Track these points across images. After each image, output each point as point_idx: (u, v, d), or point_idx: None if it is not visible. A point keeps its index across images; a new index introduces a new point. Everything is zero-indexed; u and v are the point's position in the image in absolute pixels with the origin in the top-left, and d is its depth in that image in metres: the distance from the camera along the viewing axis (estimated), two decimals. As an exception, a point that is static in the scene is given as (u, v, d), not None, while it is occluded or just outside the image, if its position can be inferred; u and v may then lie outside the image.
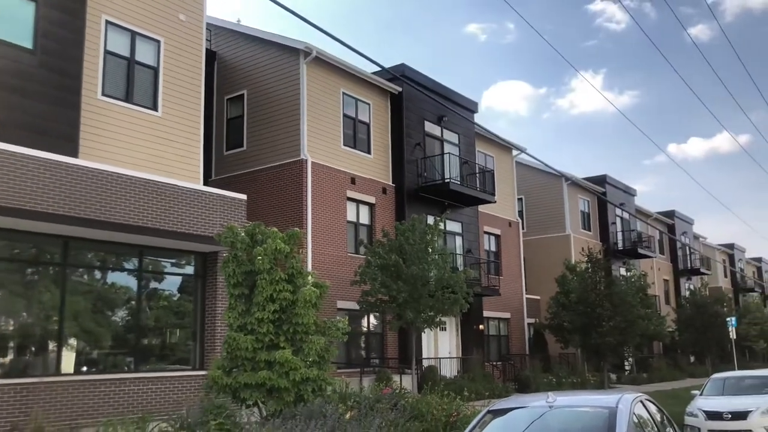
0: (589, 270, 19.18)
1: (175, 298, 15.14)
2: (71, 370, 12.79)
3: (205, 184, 19.51)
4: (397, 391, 11.93)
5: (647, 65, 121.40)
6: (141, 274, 14.50)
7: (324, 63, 21.54)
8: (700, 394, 15.66)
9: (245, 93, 22.36)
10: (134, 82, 15.74)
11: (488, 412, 6.18)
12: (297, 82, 20.91)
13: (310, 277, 9.44)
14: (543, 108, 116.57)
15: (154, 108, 16.04)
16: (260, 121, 21.77)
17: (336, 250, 20.86)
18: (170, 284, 15.08)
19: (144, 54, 16.06)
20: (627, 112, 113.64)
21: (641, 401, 6.25)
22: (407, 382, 18.94)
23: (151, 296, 14.79)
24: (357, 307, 19.82)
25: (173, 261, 15.16)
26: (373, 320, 22.18)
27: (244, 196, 16.34)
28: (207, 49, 23.47)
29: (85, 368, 13.14)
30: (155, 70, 16.22)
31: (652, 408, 6.47)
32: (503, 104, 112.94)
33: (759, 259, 68.85)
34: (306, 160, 20.34)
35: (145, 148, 15.60)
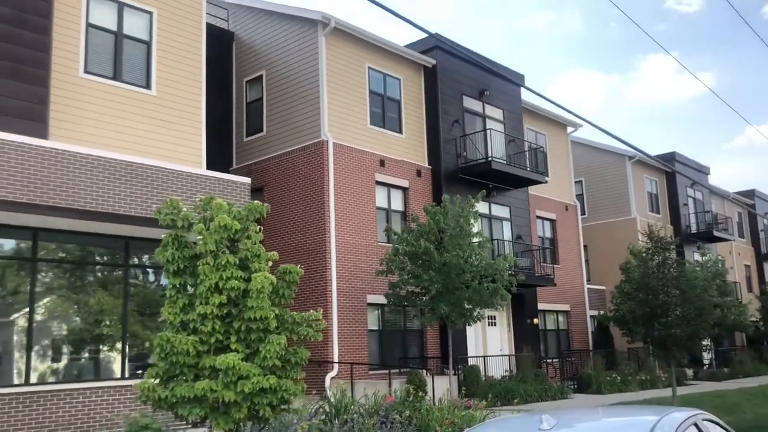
0: (653, 252, 16.62)
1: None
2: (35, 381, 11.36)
3: (226, 172, 18.00)
4: (410, 398, 9.87)
5: (720, 48, 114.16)
6: (127, 269, 12.96)
7: (345, 35, 19.62)
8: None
9: (263, 74, 20.69)
10: (123, 58, 14.22)
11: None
12: (316, 57, 19.07)
13: (269, 261, 7.51)
14: (613, 95, 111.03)
15: (147, 86, 14.49)
16: (279, 103, 20.07)
17: (364, 239, 18.91)
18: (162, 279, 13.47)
19: (134, 27, 14.53)
20: (700, 95, 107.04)
21: (696, 424, 4.04)
22: (444, 384, 16.81)
23: (140, 294, 13.26)
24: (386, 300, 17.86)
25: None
26: (412, 316, 20.12)
27: (247, 180, 14.65)
28: (224, 30, 22.07)
29: (53, 378, 11.69)
30: (147, 45, 14.67)
31: (715, 433, 4.24)
32: (574, 93, 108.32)
33: None
34: (327, 141, 18.48)
35: (138, 130, 14.06)
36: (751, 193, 44.92)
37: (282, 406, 7.18)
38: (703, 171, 38.42)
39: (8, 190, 10.93)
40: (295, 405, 8.12)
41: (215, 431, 7.01)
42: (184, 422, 7.16)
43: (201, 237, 7.14)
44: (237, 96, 21.52)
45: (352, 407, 9.34)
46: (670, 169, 32.18)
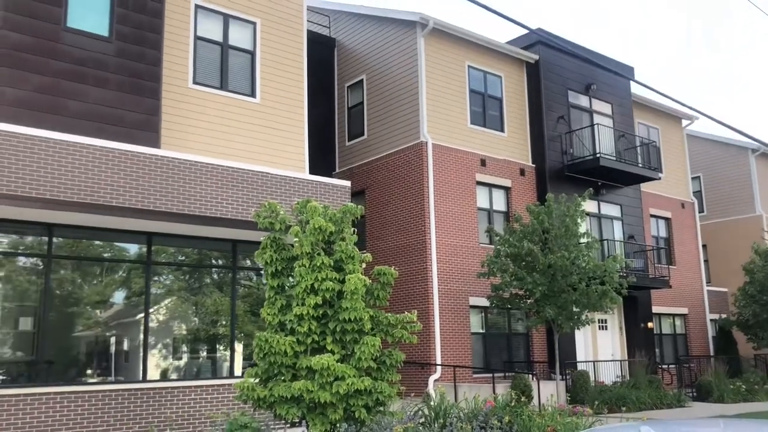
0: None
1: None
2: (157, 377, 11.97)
3: (329, 176, 18.39)
4: (512, 403, 9.58)
5: None
6: (235, 271, 13.43)
7: (444, 34, 19.48)
8: None
9: (364, 78, 20.92)
10: (229, 68, 14.79)
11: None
12: (415, 59, 19.05)
13: (363, 262, 7.50)
14: (740, 84, 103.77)
15: (252, 95, 15.00)
16: (380, 106, 20.21)
17: (465, 240, 18.67)
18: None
19: (239, 37, 15.08)
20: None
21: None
22: (551, 389, 16.29)
23: (253, 294, 13.71)
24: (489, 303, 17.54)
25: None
26: (517, 318, 19.66)
27: (347, 183, 14.80)
28: (326, 36, 22.52)
29: (167, 375, 12.28)
30: (252, 55, 15.18)
31: None
32: (694, 84, 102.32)
33: None
34: (426, 142, 18.40)
35: (244, 137, 14.59)
36: None
37: (378, 408, 7.15)
38: (840, 162, 35.19)
39: (125, 197, 11.60)
40: (393, 407, 8.09)
41: (312, 431, 7.08)
42: (283, 422, 7.28)
43: (297, 239, 7.24)
44: (339, 101, 21.88)
45: (451, 411, 9.18)
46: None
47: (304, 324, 7.11)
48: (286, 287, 7.58)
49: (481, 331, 18.88)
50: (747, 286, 21.03)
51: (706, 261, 28.82)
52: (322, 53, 21.62)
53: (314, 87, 18.98)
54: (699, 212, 28.44)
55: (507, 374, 17.89)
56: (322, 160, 20.76)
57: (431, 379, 16.97)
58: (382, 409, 7.21)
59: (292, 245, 7.58)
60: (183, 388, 11.83)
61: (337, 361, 6.96)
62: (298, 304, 7.18)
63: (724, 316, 25.76)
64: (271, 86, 15.24)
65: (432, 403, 9.47)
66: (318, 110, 20.55)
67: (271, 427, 8.17)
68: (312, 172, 15.63)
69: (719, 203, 31.24)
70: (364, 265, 7.54)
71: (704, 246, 28.62)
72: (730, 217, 30.71)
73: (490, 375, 17.21)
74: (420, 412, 9.18)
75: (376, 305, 7.69)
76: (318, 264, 7.18)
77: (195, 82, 14.16)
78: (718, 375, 21.16)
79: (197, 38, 14.42)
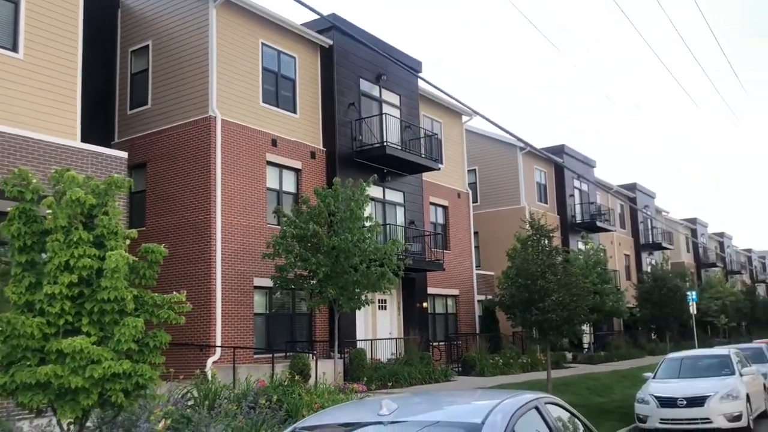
0: (535, 239, 17.21)
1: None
2: None
3: (107, 146, 17.00)
4: (286, 382, 9.65)
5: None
6: (-15, 246, 11.94)
7: (238, 8, 18.94)
8: (653, 377, 13.80)
9: (150, 44, 19.67)
10: (-15, 16, 13.06)
11: (296, 431, 3.96)
12: (206, 29, 18.30)
13: (127, 239, 7.05)
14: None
15: (14, 49, 13.37)
16: (166, 75, 19.15)
17: (252, 220, 18.44)
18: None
19: (-1, -17, 13.36)
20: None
21: (537, 407, 4.06)
22: (329, 367, 16.72)
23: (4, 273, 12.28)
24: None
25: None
26: (301, 299, 19.87)
27: (124, 154, 13.84)
28: (109, -5, 20.81)
29: None
30: (15, 4, 13.52)
31: (555, 415, 4.28)
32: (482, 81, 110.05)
33: (721, 234, 68.10)
34: (215, 117, 17.82)
35: (3, 96, 12.97)
36: (632, 187, 47.59)
37: (138, 392, 6.77)
38: (590, 164, 40.23)
39: None
40: (160, 390, 7.75)
41: (61, 419, 6.54)
42: (27, 410, 6.63)
43: (51, 211, 6.60)
44: (121, 66, 20.37)
45: (221, 392, 9.02)
46: (558, 162, 33.43)
47: (56, 304, 6.50)
48: (38, 264, 6.88)
49: (265, 311, 18.82)
50: (509, 270, 23.13)
51: (477, 247, 31.39)
52: (103, 13, 19.95)
53: (93, 48, 17.48)
54: (473, 202, 30.83)
55: (288, 354, 18.04)
56: (99, 128, 19.25)
57: (210, 360, 16.58)
58: (143, 392, 6.84)
59: (46, 218, 6.90)
60: None
61: (94, 344, 6.47)
62: (49, 283, 6.55)
63: (489, 297, 28.28)
64: (38, 41, 13.71)
65: (207, 385, 9.25)
66: (97, 74, 18.99)
67: (16, 416, 7.42)
68: (87, 140, 14.38)
69: (491, 194, 34.20)
70: (128, 242, 7.07)
71: (476, 233, 31.12)
72: (499, 207, 33.75)
73: (271, 355, 17.24)
74: (189, 395, 8.91)
75: (142, 284, 7.27)
76: (75, 239, 6.59)
77: (-59, 28, 12.32)
78: (481, 351, 23.23)
79: (-55, -23, 12.54)
